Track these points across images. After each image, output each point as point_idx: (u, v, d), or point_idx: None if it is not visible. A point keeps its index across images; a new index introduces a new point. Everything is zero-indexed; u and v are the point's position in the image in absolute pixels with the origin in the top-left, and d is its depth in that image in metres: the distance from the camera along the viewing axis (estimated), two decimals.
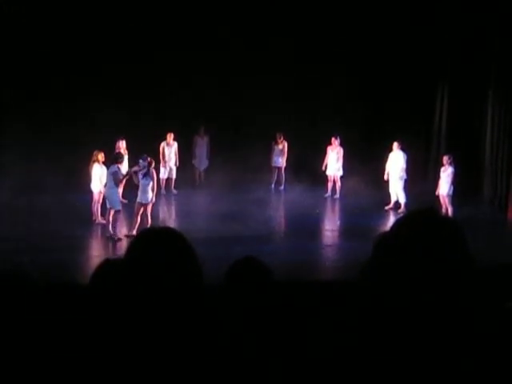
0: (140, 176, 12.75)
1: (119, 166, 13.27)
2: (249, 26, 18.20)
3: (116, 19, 17.57)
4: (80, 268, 10.89)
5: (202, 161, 18.76)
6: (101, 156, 13.90)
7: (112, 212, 12.83)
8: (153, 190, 12.87)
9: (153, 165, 13.08)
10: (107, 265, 2.43)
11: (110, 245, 12.63)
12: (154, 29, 17.91)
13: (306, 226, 14.13)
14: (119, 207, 12.93)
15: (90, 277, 2.30)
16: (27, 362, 2.27)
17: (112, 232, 12.72)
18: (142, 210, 12.72)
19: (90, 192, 13.94)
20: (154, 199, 12.98)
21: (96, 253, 12.42)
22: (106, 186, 13.16)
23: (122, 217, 13.25)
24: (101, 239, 13.16)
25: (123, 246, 12.16)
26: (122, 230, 13.18)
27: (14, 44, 17.10)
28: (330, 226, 15.23)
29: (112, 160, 13.24)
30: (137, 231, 12.35)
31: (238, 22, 18.09)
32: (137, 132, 16.81)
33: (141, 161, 12.86)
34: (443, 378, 1.75)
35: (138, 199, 12.76)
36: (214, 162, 18.26)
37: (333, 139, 17.34)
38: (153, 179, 12.88)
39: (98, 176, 13.76)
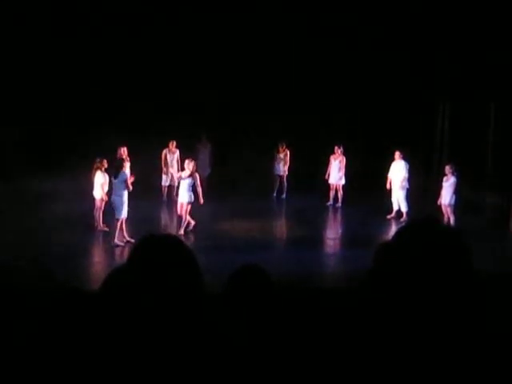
0: (184, 176, 13.50)
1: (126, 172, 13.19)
2: (250, 35, 18.25)
3: (119, 31, 17.67)
4: (82, 274, 10.88)
5: (204, 168, 18.77)
6: (104, 163, 13.87)
7: (119, 220, 12.76)
8: (195, 191, 13.53)
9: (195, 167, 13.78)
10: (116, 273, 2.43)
11: (113, 252, 12.57)
12: (157, 39, 18.01)
13: (308, 235, 14.12)
14: (123, 215, 12.88)
15: (100, 284, 2.29)
16: (30, 366, 2.27)
17: (118, 240, 12.69)
18: (189, 208, 13.40)
19: (93, 199, 13.92)
20: (193, 199, 13.54)
21: (98, 259, 12.43)
22: (113, 194, 12.95)
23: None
24: (103, 246, 13.13)
25: (126, 252, 12.15)
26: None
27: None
28: (332, 235, 15.22)
29: (118, 167, 13.04)
30: (184, 230, 13.49)
31: (238, 31, 18.15)
32: (139, 139, 16.83)
33: (187, 161, 13.68)
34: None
35: (187, 199, 13.34)
36: (215, 169, 18.30)
37: (336, 148, 17.36)
38: (196, 180, 13.50)
39: (101, 183, 13.73)
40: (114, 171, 13.11)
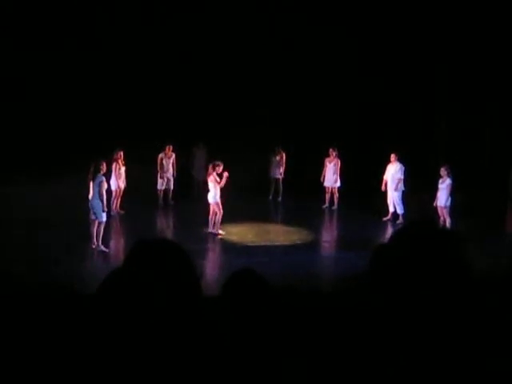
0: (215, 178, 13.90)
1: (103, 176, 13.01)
2: (247, 41, 18.32)
3: (117, 33, 17.72)
4: (76, 277, 10.84)
5: (200, 171, 18.85)
6: (102, 166, 13.75)
7: (97, 223, 12.57)
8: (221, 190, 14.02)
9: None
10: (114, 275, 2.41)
11: (105, 256, 12.48)
12: (157, 46, 18.10)
13: (304, 237, 14.13)
14: (104, 218, 12.73)
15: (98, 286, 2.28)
16: (28, 368, 2.26)
17: (96, 243, 12.55)
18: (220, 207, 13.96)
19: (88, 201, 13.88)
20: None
21: (92, 263, 12.34)
22: (92, 197, 12.68)
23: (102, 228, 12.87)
24: (96, 250, 13.00)
25: (119, 256, 12.10)
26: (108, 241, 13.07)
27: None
28: (328, 237, 15.23)
29: (95, 170, 12.73)
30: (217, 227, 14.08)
31: (236, 39, 18.22)
32: (135, 143, 16.86)
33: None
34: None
35: (215, 200, 13.92)
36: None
37: (330, 151, 17.39)
38: (217, 181, 13.94)
39: None
40: (91, 174, 12.82)
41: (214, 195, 14.00)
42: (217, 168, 14.00)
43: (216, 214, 14.08)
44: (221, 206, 14.04)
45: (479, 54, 16.16)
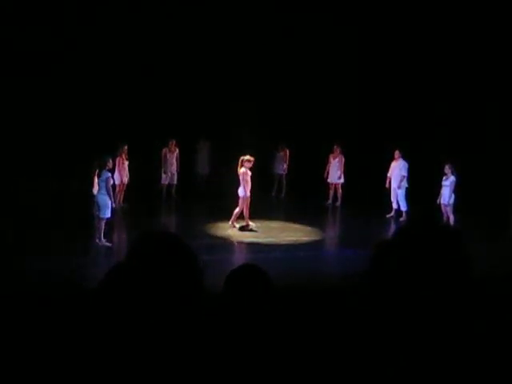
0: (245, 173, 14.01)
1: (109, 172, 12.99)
2: (246, 34, 18.29)
3: (120, 33, 17.72)
4: (80, 272, 10.84)
5: (203, 167, 18.91)
6: (109, 162, 13.71)
7: (100, 219, 12.54)
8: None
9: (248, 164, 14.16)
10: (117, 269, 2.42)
11: (109, 250, 12.47)
12: (159, 44, 18.10)
13: (307, 234, 14.12)
14: (108, 215, 12.67)
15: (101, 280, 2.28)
16: (31, 364, 2.27)
17: (99, 239, 12.53)
18: (243, 201, 14.03)
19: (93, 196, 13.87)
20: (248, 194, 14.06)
21: (95, 258, 12.33)
22: (98, 192, 12.65)
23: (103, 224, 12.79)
24: (100, 247, 12.97)
25: (123, 251, 12.06)
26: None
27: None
28: (331, 234, 15.21)
29: (101, 166, 12.71)
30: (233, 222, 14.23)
31: (236, 33, 18.20)
32: (139, 138, 16.86)
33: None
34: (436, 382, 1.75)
35: (245, 194, 13.96)
36: (215, 168, 18.34)
37: (334, 147, 17.39)
38: (244, 175, 14.03)
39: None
40: (96, 170, 12.81)
41: (243, 190, 14.01)
42: (247, 163, 14.02)
43: (243, 208, 14.12)
44: (243, 202, 14.04)
45: (480, 53, 16.10)
